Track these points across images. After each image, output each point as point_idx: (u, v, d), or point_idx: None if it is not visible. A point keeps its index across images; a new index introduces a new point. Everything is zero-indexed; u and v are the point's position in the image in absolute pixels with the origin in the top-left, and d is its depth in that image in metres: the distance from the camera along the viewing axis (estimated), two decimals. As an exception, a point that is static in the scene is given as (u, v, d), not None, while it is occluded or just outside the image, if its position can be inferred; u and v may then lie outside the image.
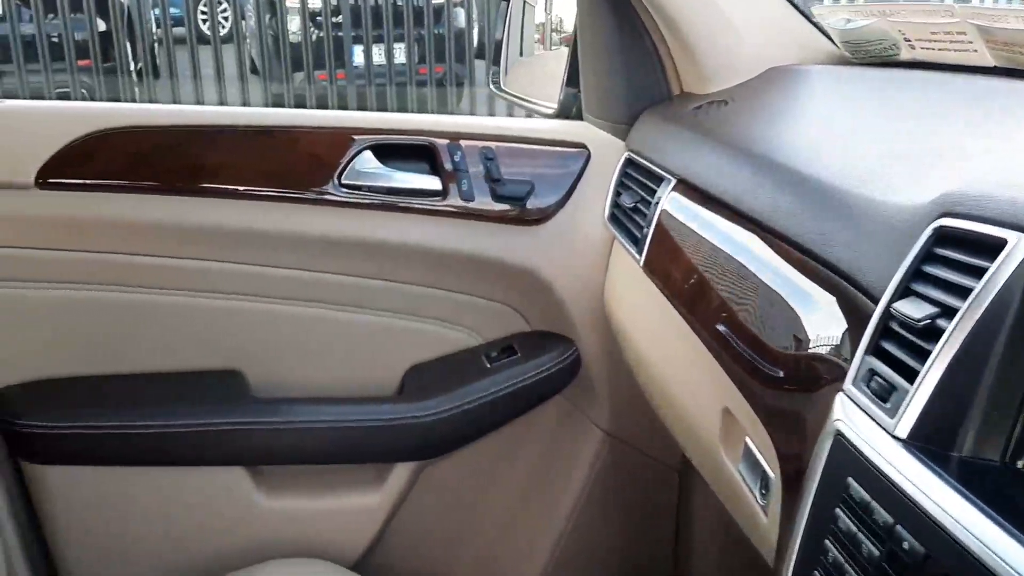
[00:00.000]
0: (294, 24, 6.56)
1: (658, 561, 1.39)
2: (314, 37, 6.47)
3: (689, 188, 1.04)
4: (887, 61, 1.14)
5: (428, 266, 1.25)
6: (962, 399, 0.54)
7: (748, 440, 0.84)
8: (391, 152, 1.23)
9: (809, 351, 0.72)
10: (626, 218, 1.18)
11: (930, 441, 0.55)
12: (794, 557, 0.66)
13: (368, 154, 1.22)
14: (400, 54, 6.64)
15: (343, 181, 1.20)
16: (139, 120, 1.17)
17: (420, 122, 1.26)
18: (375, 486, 1.30)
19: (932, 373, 0.55)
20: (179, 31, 6.24)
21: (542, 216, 1.25)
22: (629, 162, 1.23)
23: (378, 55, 6.56)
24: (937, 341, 0.55)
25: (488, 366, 1.28)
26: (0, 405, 1.19)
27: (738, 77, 1.16)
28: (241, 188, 1.17)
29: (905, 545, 0.51)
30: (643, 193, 1.15)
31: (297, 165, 1.20)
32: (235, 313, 1.23)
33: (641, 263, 1.09)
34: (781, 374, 0.76)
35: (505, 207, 1.24)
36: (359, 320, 1.27)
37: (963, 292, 0.55)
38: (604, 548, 1.38)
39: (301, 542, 1.25)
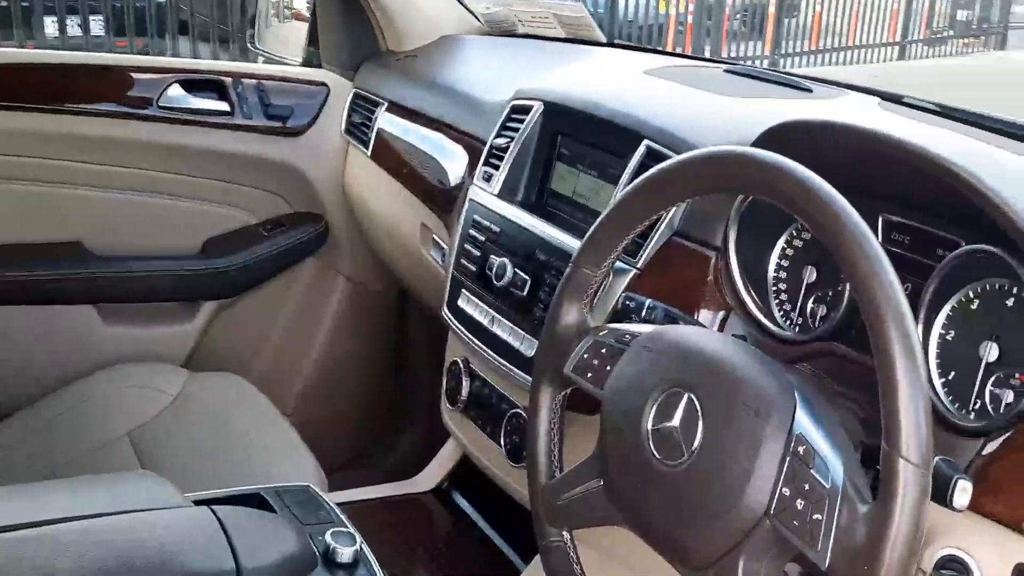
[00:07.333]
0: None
1: (384, 365, 2.07)
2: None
3: (395, 107, 1.71)
4: (511, 33, 1.90)
5: (221, 164, 1.81)
6: (516, 176, 1.26)
7: (435, 236, 1.53)
8: (192, 85, 1.78)
9: (455, 176, 1.43)
10: (357, 130, 1.83)
11: (503, 193, 1.27)
12: (454, 252, 1.35)
13: (177, 86, 1.76)
14: (97, 26, 6.69)
15: (160, 104, 1.74)
16: (11, 59, 1.63)
17: (213, 65, 1.82)
18: (188, 319, 1.84)
19: (505, 162, 1.27)
20: None
21: (300, 130, 1.85)
22: (356, 95, 1.87)
23: (73, 26, 6.57)
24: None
25: (265, 235, 1.87)
26: None
27: (421, 41, 1.85)
28: (91, 107, 1.67)
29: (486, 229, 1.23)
30: (367, 113, 1.81)
31: (131, 92, 1.71)
32: (80, 199, 1.71)
33: (369, 155, 1.75)
34: (442, 187, 1.46)
35: (275, 123, 1.83)
36: (174, 204, 1.79)
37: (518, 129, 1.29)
38: (350, 365, 2.03)
39: (139, 355, 1.76)
